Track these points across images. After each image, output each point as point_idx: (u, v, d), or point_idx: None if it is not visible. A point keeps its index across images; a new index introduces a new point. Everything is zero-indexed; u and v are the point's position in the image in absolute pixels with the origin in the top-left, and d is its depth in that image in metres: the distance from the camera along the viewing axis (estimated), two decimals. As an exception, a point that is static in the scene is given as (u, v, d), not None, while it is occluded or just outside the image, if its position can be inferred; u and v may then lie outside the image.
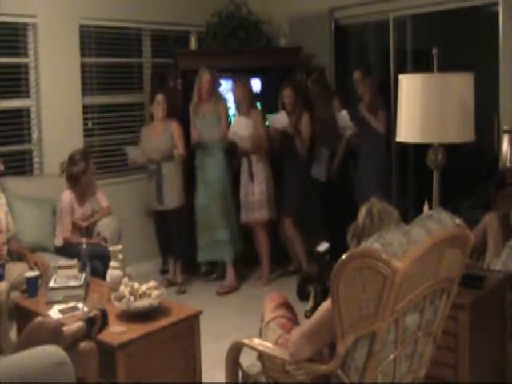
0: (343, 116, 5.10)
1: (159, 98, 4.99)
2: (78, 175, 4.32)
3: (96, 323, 2.62)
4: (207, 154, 5.01)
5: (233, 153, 5.11)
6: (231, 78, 5.44)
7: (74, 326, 2.52)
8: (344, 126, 5.12)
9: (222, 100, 5.09)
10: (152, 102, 5.07)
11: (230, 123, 5.07)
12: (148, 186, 5.14)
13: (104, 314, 2.69)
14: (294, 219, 5.18)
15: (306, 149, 5.14)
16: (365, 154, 5.06)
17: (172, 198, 5.01)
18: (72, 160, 4.34)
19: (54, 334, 2.31)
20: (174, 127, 5.00)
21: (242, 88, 5.01)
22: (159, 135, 4.99)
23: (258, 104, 5.26)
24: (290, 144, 5.08)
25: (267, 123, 5.14)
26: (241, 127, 4.91)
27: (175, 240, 5.08)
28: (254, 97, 5.13)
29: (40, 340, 2.16)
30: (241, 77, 5.14)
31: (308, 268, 4.97)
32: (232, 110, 5.25)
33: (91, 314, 2.65)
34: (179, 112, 5.25)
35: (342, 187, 5.31)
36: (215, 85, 5.04)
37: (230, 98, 5.26)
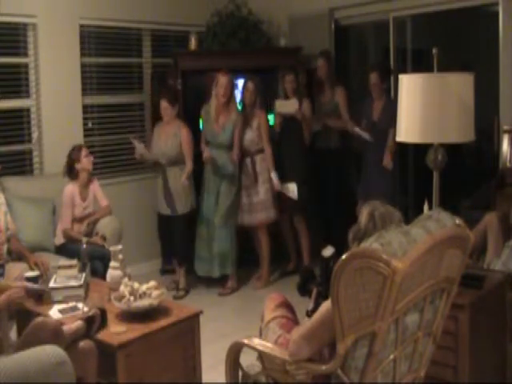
0: (359, 133, 4.91)
1: (163, 104, 4.85)
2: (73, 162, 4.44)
3: (95, 322, 2.63)
4: (218, 171, 4.90)
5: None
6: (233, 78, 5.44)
7: (73, 325, 2.53)
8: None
9: (240, 117, 4.92)
10: (153, 102, 5.03)
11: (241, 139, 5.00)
12: (155, 186, 5.08)
13: (103, 313, 2.69)
14: (305, 215, 5.17)
15: (311, 136, 5.13)
16: (374, 160, 4.88)
17: (182, 204, 4.91)
18: (73, 149, 4.49)
19: (54, 334, 2.31)
20: (184, 136, 4.85)
21: (254, 88, 4.96)
22: (167, 138, 4.87)
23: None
24: (297, 131, 5.05)
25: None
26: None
27: (180, 245, 5.00)
28: (261, 97, 5.05)
29: (41, 340, 2.16)
30: (251, 77, 5.06)
31: (310, 265, 4.95)
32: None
33: (90, 313, 2.66)
34: (179, 112, 5.25)
35: (340, 186, 5.32)
36: (233, 91, 4.91)
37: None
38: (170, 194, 4.91)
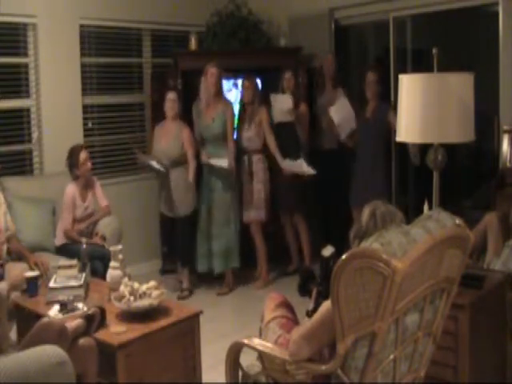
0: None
1: (171, 95, 4.89)
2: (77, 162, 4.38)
3: (95, 320, 2.63)
4: (214, 170, 4.90)
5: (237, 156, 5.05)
6: (231, 78, 5.43)
7: (73, 323, 2.53)
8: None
9: (229, 106, 4.95)
10: (153, 102, 5.04)
11: (235, 130, 5.01)
12: (158, 188, 5.10)
13: (102, 312, 2.69)
14: (305, 214, 5.17)
15: (307, 138, 5.14)
16: (366, 158, 4.89)
17: (182, 206, 4.91)
18: (72, 151, 4.43)
19: (60, 336, 2.32)
20: (186, 135, 4.87)
21: (251, 85, 4.97)
22: (169, 139, 4.88)
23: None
24: (291, 131, 5.05)
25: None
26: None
27: (182, 246, 5.00)
28: (260, 94, 5.06)
29: (46, 341, 2.16)
30: (248, 75, 5.07)
31: (310, 266, 4.94)
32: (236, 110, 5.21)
33: (90, 312, 2.66)
34: (180, 112, 5.24)
35: (335, 185, 5.32)
36: (222, 83, 4.93)
37: (231, 98, 5.24)
38: (171, 196, 4.90)
